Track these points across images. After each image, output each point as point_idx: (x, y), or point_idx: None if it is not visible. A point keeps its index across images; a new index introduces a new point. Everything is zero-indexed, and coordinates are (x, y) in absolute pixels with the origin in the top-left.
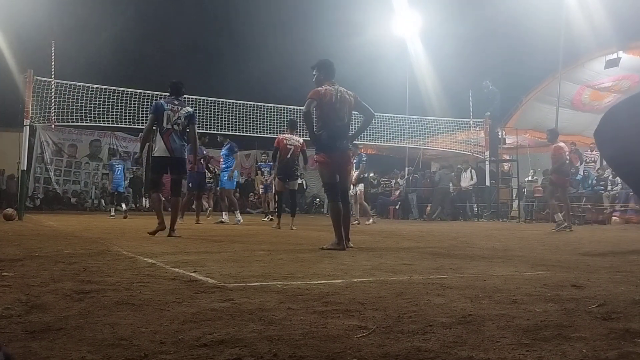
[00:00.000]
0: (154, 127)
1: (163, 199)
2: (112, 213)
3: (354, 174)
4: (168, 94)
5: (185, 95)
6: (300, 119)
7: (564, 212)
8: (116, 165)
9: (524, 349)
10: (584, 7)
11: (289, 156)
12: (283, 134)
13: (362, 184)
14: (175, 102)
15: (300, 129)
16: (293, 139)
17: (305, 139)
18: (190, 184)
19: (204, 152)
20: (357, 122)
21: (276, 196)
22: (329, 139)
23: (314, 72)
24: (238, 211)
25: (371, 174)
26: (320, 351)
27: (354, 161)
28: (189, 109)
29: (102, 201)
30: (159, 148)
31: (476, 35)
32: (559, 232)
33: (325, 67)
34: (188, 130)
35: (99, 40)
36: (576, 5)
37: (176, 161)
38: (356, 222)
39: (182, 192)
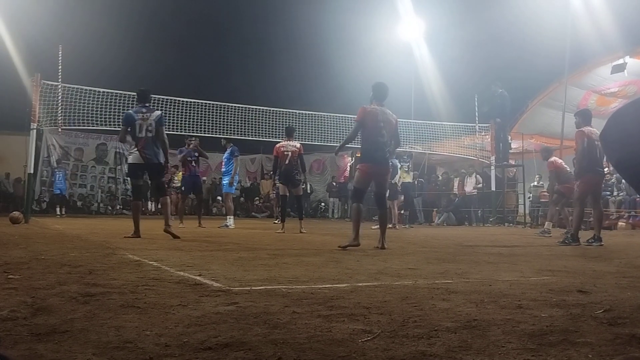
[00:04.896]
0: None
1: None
2: (58, 213)
3: None
4: (135, 102)
5: (188, 99)
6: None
7: (569, 220)
8: (57, 172)
9: (530, 354)
10: (590, 12)
11: (287, 162)
12: (280, 142)
13: (388, 190)
14: (144, 109)
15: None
16: (290, 145)
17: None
18: (183, 188)
19: (195, 154)
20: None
21: (280, 200)
22: (370, 152)
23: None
24: (231, 217)
25: None
26: (325, 355)
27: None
28: (158, 112)
29: (108, 205)
30: (134, 156)
31: (482, 40)
32: (541, 237)
33: (375, 90)
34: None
35: (105, 44)
36: (582, 10)
37: (150, 166)
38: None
39: (169, 191)
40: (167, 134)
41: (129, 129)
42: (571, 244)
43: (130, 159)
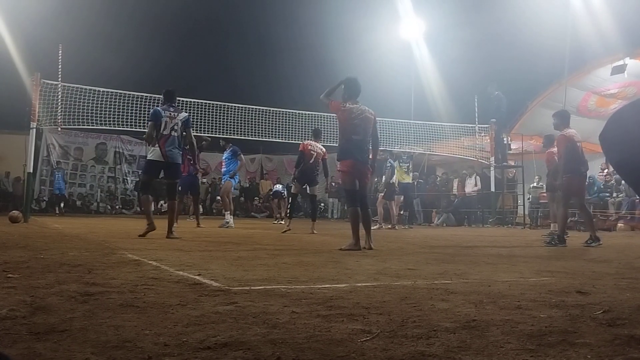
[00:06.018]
0: None
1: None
2: (57, 212)
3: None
4: (162, 102)
5: (188, 99)
6: (323, 128)
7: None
8: (57, 173)
9: (528, 355)
10: (590, 12)
11: (311, 161)
12: (307, 140)
13: (385, 190)
14: (171, 109)
15: (324, 137)
16: (317, 146)
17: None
18: (179, 188)
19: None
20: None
21: (290, 198)
22: (348, 149)
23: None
24: (229, 215)
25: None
26: (324, 355)
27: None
28: (185, 113)
29: (108, 205)
30: (154, 152)
31: (482, 41)
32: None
33: (348, 86)
34: (184, 134)
35: (105, 43)
36: (583, 11)
37: (170, 166)
38: (376, 226)
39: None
40: None
41: (156, 125)
42: (557, 245)
43: (151, 156)
